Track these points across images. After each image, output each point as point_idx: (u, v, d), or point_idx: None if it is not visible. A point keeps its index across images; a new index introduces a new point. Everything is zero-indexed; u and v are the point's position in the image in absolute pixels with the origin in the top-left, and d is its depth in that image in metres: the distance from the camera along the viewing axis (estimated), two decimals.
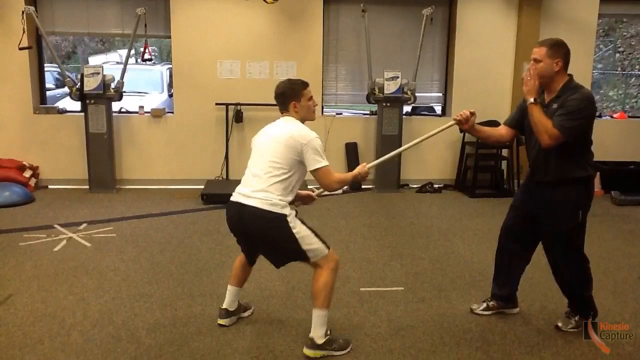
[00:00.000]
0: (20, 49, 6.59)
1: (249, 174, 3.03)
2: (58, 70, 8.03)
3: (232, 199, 3.03)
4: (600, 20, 7.99)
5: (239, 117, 7.24)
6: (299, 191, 3.15)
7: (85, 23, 7.33)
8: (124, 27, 7.28)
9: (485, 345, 3.17)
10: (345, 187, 3.17)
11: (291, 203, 2.98)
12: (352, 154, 7.40)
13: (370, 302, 3.72)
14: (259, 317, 3.47)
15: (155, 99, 8.90)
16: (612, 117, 8.24)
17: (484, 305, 3.58)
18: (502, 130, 3.48)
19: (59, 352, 3.00)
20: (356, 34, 7.55)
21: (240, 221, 2.99)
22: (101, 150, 6.98)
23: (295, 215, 2.97)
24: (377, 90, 7.23)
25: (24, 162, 7.00)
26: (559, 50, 3.10)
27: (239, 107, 7.23)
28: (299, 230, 2.91)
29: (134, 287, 3.93)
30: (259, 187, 2.92)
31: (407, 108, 7.82)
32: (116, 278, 4.10)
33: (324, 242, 2.99)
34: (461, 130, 3.76)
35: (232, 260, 4.51)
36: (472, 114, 3.28)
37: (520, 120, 3.34)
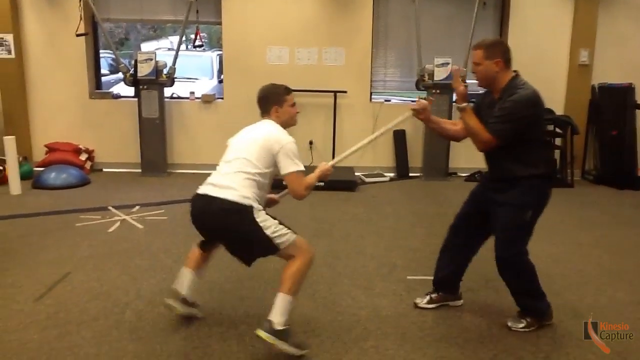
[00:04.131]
0: (78, 35, 6.80)
1: (220, 170, 2.98)
2: (112, 56, 8.24)
3: (199, 191, 2.96)
4: None
5: None
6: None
7: (139, 10, 7.50)
8: (176, 14, 7.40)
9: (534, 337, 3.11)
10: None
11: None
12: (400, 142, 7.33)
13: (417, 290, 3.69)
14: (305, 303, 3.49)
15: (206, 85, 9.02)
16: None
17: (427, 298, 3.46)
18: (459, 126, 3.31)
19: (113, 329, 3.10)
20: (406, 19, 7.45)
21: (205, 214, 2.91)
22: (153, 135, 7.14)
23: (264, 210, 2.89)
24: (426, 77, 7.13)
25: (80, 146, 7.24)
26: (496, 49, 3.02)
27: None
28: (264, 219, 2.82)
29: None
30: (228, 182, 2.86)
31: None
32: (167, 260, 4.20)
33: (291, 230, 2.89)
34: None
35: None
36: (430, 102, 3.21)
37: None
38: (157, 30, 14.78)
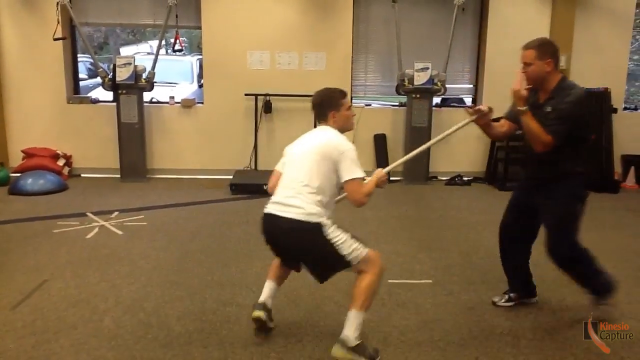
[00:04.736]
0: (55, 39, 6.71)
1: (284, 185, 2.92)
2: (91, 60, 8.13)
3: (266, 210, 2.91)
4: (638, 10, 7.77)
5: (268, 108, 7.27)
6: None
7: (118, 14, 7.44)
8: (156, 18, 7.35)
9: (514, 339, 3.13)
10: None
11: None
12: (380, 146, 7.35)
13: (398, 294, 3.70)
14: (287, 307, 3.48)
15: (186, 90, 8.97)
16: None
17: (506, 297, 3.58)
18: (505, 127, 3.42)
19: (91, 337, 3.06)
20: (386, 24, 7.49)
21: (276, 234, 2.89)
22: (133, 140, 7.08)
23: (332, 224, 2.86)
24: (406, 82, 7.17)
25: (58, 151, 7.15)
26: (548, 49, 3.09)
27: (268, 97, 7.25)
28: (336, 234, 2.78)
29: (164, 275, 3.99)
30: (294, 200, 2.81)
31: (436, 99, 7.73)
32: (147, 266, 4.16)
33: (362, 243, 2.88)
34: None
35: (260, 250, 4.54)
36: (490, 110, 3.27)
37: (517, 117, 3.25)
38: (137, 35, 14.68)
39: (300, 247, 2.85)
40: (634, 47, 8.50)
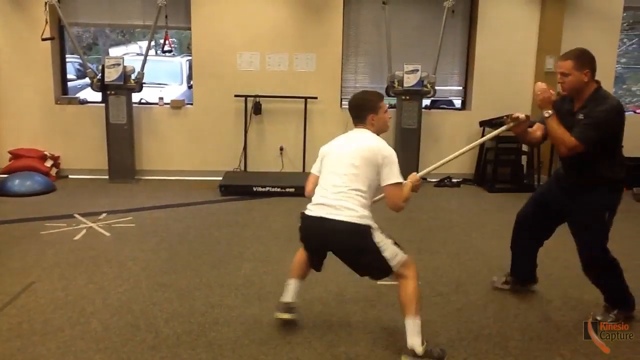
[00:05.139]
0: (43, 39, 6.65)
1: (328, 186, 2.92)
2: (79, 61, 8.11)
3: (309, 213, 2.93)
4: (625, 14, 7.85)
5: (257, 109, 7.25)
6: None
7: (107, 14, 7.40)
8: (145, 19, 7.32)
9: (503, 340, 3.14)
10: None
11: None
12: None
13: (387, 295, 3.70)
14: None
15: (175, 91, 8.94)
16: (635, 112, 8.11)
17: (504, 279, 3.79)
18: (539, 131, 3.45)
19: (78, 339, 3.03)
20: (376, 26, 7.50)
21: (324, 236, 2.90)
22: (121, 141, 7.04)
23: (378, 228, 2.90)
24: (396, 83, 7.19)
25: (46, 152, 7.09)
26: (586, 60, 3.14)
27: (257, 99, 7.23)
28: (381, 239, 2.83)
29: (152, 276, 3.96)
30: (343, 202, 2.83)
31: (426, 101, 7.75)
32: (135, 267, 4.14)
33: (402, 249, 2.92)
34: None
35: (250, 252, 4.55)
36: (527, 118, 3.34)
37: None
38: (126, 35, 14.62)
39: (347, 248, 2.89)
40: (621, 50, 8.59)
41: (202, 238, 4.88)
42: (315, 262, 3.13)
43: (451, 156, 3.54)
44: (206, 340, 3.06)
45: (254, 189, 6.31)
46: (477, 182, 7.47)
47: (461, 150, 3.56)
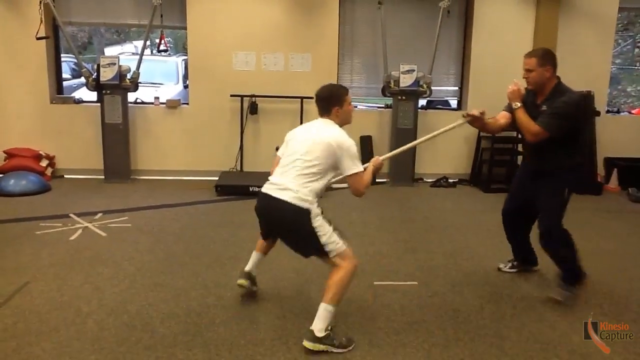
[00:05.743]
0: (38, 38, 6.63)
1: (282, 169, 3.10)
2: (74, 60, 8.06)
3: (262, 190, 3.11)
4: (620, 15, 7.87)
5: (253, 109, 7.25)
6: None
7: (102, 13, 7.38)
8: (140, 18, 7.30)
9: (499, 341, 3.15)
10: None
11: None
12: (366, 148, 7.37)
13: (383, 295, 3.71)
14: (273, 309, 3.47)
15: (170, 90, 8.92)
16: (630, 112, 8.14)
17: (510, 264, 4.18)
18: (504, 119, 3.83)
19: (74, 340, 3.02)
20: (372, 26, 7.51)
21: (267, 211, 3.11)
22: (117, 141, 7.02)
23: (322, 214, 3.02)
24: (392, 84, 7.19)
25: (41, 152, 7.06)
26: (548, 58, 3.57)
27: (253, 98, 7.23)
28: (320, 224, 2.96)
29: (148, 276, 3.96)
30: (288, 183, 2.99)
31: (422, 102, 7.76)
32: (131, 268, 4.13)
33: (344, 240, 3.04)
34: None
35: (245, 253, 4.52)
36: (483, 113, 3.68)
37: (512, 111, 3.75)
38: (122, 35, 14.58)
39: (287, 228, 3.07)
40: (616, 51, 8.62)
41: (197, 238, 4.87)
42: (265, 232, 3.40)
43: (409, 144, 4.00)
44: (202, 341, 3.06)
45: (250, 189, 6.28)
46: (472, 183, 7.48)
47: (418, 140, 4.07)
